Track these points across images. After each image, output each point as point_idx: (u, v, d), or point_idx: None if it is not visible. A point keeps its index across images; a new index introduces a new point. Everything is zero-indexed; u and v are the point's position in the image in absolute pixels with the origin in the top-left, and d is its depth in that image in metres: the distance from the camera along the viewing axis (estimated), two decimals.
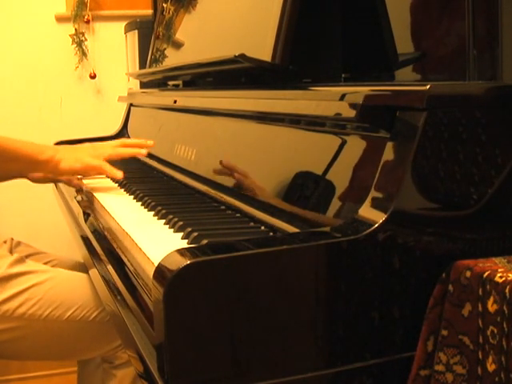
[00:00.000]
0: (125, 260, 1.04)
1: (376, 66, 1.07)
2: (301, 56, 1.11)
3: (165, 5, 1.84)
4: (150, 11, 2.26)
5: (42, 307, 1.29)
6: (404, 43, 1.01)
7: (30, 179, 1.45)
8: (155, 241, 0.94)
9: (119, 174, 1.35)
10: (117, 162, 1.66)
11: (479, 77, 0.84)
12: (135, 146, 1.43)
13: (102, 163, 1.34)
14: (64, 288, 1.33)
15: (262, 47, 1.11)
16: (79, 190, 1.57)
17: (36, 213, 2.38)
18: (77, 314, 1.30)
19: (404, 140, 0.74)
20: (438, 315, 0.70)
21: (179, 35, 1.74)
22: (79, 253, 1.36)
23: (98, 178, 1.51)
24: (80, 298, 1.32)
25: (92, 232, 1.28)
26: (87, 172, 1.41)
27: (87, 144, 1.46)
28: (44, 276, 1.33)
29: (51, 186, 1.74)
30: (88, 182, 1.49)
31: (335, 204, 0.82)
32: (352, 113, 0.79)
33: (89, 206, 1.42)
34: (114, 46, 2.44)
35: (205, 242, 0.86)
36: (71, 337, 1.33)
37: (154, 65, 1.88)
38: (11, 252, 1.43)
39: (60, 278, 1.35)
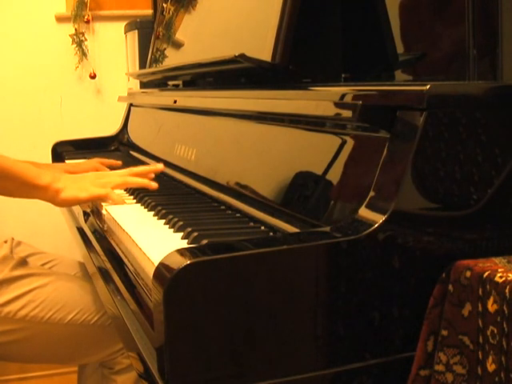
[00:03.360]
0: (125, 260, 1.04)
1: (376, 66, 1.07)
2: (301, 56, 1.11)
3: (165, 5, 1.84)
4: (150, 11, 2.26)
5: (44, 310, 1.29)
6: (404, 43, 1.01)
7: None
8: (155, 241, 0.94)
9: (128, 202, 1.28)
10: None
11: (479, 77, 0.84)
12: (144, 174, 1.30)
13: (109, 192, 1.24)
14: (66, 291, 1.33)
15: (262, 47, 1.11)
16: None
17: (36, 213, 2.38)
18: (78, 317, 1.30)
19: (404, 140, 0.74)
20: (437, 315, 0.70)
21: (179, 35, 1.74)
22: (79, 253, 1.36)
23: None
24: (81, 301, 1.32)
25: (92, 232, 1.28)
26: (91, 201, 1.34)
27: (90, 173, 1.40)
28: (46, 279, 1.33)
29: None
30: None
31: (335, 204, 0.82)
32: (352, 113, 0.79)
33: (89, 205, 1.42)
34: (114, 46, 2.44)
35: (205, 242, 0.86)
36: (72, 340, 1.33)
37: (154, 65, 1.88)
38: (11, 252, 1.43)
39: (62, 282, 1.35)
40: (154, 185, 1.25)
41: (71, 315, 1.30)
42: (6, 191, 1.24)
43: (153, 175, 1.29)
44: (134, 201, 1.27)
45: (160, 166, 1.33)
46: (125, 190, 1.39)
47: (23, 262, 1.36)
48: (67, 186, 1.23)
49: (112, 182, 1.27)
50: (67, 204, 1.29)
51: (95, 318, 1.31)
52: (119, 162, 1.64)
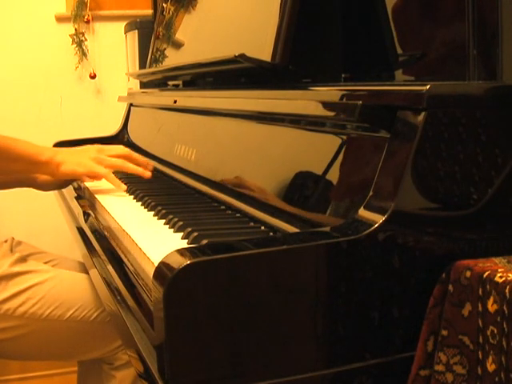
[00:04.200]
0: (125, 260, 1.04)
1: (376, 66, 1.06)
2: (301, 56, 1.11)
3: (165, 5, 1.84)
4: (150, 11, 2.26)
5: (43, 307, 1.29)
6: (404, 43, 1.01)
7: (36, 187, 1.44)
8: (155, 241, 0.94)
9: (123, 187, 1.33)
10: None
11: (479, 77, 0.84)
12: (140, 164, 1.38)
13: (107, 172, 1.29)
14: (65, 288, 1.33)
15: (262, 47, 1.11)
16: (78, 189, 1.57)
17: (36, 212, 2.38)
18: (77, 314, 1.30)
19: (404, 140, 0.74)
20: (437, 315, 0.70)
21: (179, 35, 1.74)
22: (79, 252, 1.36)
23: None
24: (81, 298, 1.32)
25: (92, 232, 1.28)
26: (89, 177, 1.37)
27: (90, 146, 1.43)
28: (45, 276, 1.33)
29: None
30: (89, 184, 1.49)
31: (335, 204, 0.82)
32: (352, 113, 0.79)
33: (89, 205, 1.42)
34: (114, 46, 2.44)
35: (205, 242, 0.86)
36: (71, 337, 1.33)
37: (154, 65, 1.88)
38: (12, 251, 1.43)
39: (61, 278, 1.35)
40: (148, 174, 1.33)
41: (70, 312, 1.30)
42: (15, 172, 1.29)
43: (149, 174, 1.35)
44: (128, 195, 1.28)
45: (150, 167, 1.41)
46: (124, 190, 1.39)
47: (23, 259, 1.36)
48: (66, 160, 1.29)
49: (110, 160, 1.33)
50: (66, 177, 1.35)
51: (95, 315, 1.31)
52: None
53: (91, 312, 1.31)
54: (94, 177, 1.34)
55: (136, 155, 1.41)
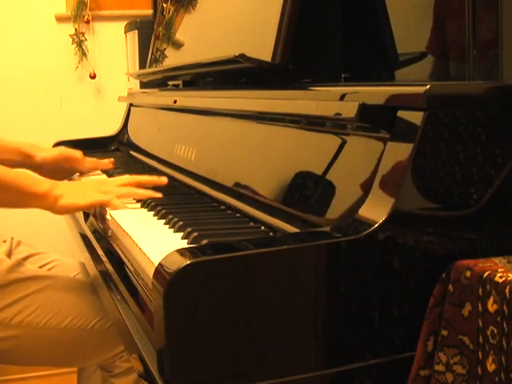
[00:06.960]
0: (125, 260, 1.04)
1: (376, 66, 1.07)
2: (301, 56, 1.11)
3: (165, 5, 1.84)
4: (150, 11, 2.26)
5: (40, 315, 1.27)
6: (404, 43, 1.01)
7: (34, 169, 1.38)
8: (155, 241, 0.94)
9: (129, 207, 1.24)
10: (117, 164, 1.66)
11: (479, 77, 0.84)
12: (146, 184, 1.24)
13: (111, 198, 1.18)
14: (62, 296, 1.31)
15: (261, 47, 1.11)
16: None
17: (36, 212, 2.36)
18: (75, 322, 1.29)
19: (404, 140, 0.74)
20: (438, 315, 0.70)
21: (179, 35, 1.74)
22: (79, 252, 1.36)
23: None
24: (78, 306, 1.30)
25: (92, 232, 1.28)
26: (91, 209, 1.28)
27: (92, 180, 1.34)
28: (42, 283, 1.31)
29: None
30: None
31: (335, 204, 0.82)
32: (352, 113, 0.79)
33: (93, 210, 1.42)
34: (114, 46, 2.44)
35: (205, 242, 0.86)
36: (69, 345, 1.32)
37: (154, 65, 1.88)
38: (11, 252, 1.42)
39: (59, 286, 1.33)
40: (158, 195, 1.21)
41: (67, 320, 1.28)
42: (5, 203, 1.22)
43: (159, 195, 1.23)
44: (139, 205, 1.24)
45: (164, 180, 1.27)
46: None
47: (19, 265, 1.34)
48: (66, 193, 1.18)
49: (115, 190, 1.22)
50: (66, 211, 1.24)
51: (92, 323, 1.30)
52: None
53: (89, 320, 1.29)
54: (98, 206, 1.23)
55: (144, 178, 1.26)
